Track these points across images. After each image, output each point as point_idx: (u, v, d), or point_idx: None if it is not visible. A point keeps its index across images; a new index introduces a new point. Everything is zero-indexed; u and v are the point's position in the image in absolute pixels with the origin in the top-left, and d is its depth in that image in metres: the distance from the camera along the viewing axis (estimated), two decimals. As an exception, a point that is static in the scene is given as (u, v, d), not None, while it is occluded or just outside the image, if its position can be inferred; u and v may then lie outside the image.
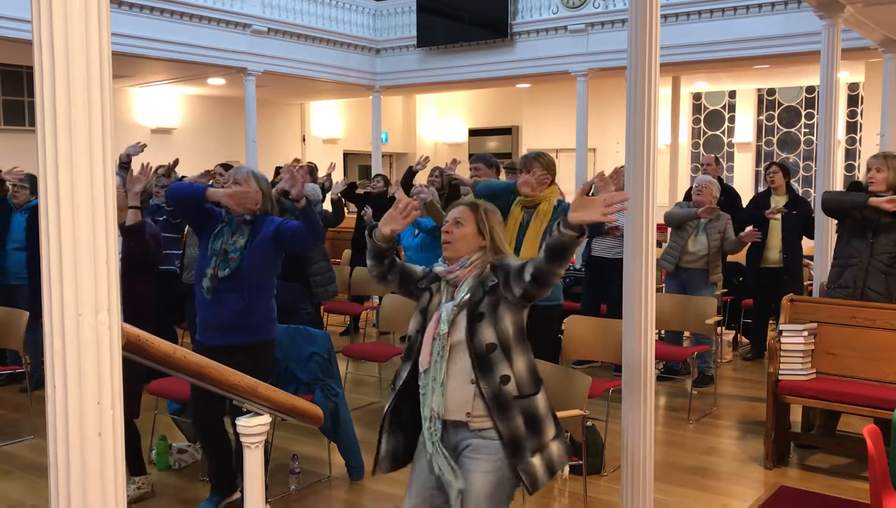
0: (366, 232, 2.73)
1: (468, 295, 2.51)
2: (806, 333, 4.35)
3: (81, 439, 1.39)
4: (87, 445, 1.39)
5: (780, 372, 4.35)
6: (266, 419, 2.42)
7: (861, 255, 4.50)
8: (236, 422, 2.41)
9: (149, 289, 4.04)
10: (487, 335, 2.46)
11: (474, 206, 2.64)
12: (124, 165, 5.83)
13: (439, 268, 2.63)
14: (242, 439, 2.39)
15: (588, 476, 3.76)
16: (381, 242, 2.65)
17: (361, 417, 5.20)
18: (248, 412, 2.40)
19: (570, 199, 2.70)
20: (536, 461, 2.47)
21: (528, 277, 2.44)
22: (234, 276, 3.53)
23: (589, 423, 3.99)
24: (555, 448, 2.54)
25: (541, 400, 2.54)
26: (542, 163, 4.32)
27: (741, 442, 4.87)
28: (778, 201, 6.59)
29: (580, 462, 3.57)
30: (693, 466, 4.46)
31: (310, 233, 3.58)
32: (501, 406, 2.44)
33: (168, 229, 6.03)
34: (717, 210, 5.97)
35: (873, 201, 4.35)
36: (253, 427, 2.38)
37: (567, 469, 4.22)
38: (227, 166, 6.63)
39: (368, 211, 7.17)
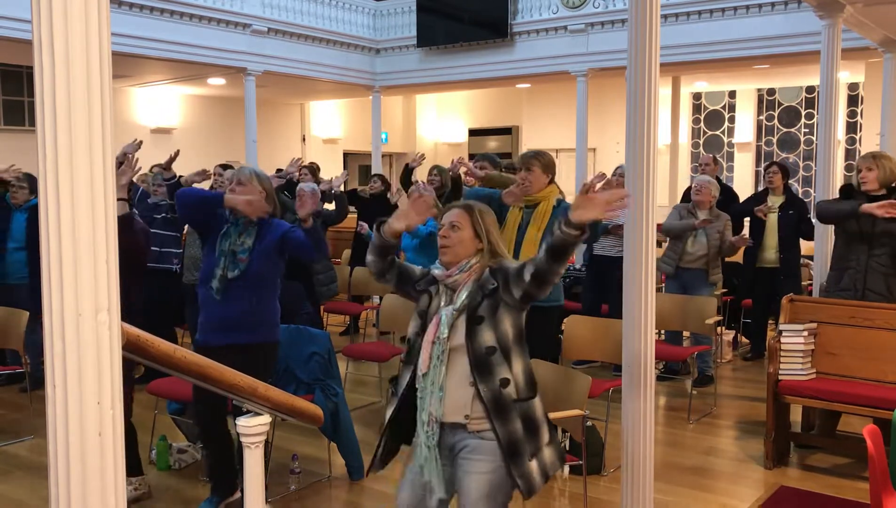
0: (374, 226, 2.71)
1: (468, 299, 2.50)
2: (806, 333, 4.35)
3: (81, 439, 1.39)
4: (87, 445, 1.39)
5: (780, 372, 4.35)
6: (266, 419, 2.42)
7: (859, 257, 4.51)
8: (236, 422, 2.41)
9: (138, 287, 4.02)
10: (487, 338, 2.45)
11: (469, 208, 2.61)
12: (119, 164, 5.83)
13: (437, 272, 2.61)
14: (242, 439, 2.39)
15: (588, 476, 3.76)
16: (389, 237, 2.64)
17: (361, 417, 5.20)
18: (248, 412, 2.40)
19: (570, 199, 2.70)
20: (534, 465, 2.46)
21: (527, 277, 2.42)
22: (244, 276, 3.57)
23: (589, 423, 3.99)
24: (547, 452, 2.54)
25: (538, 404, 2.54)
26: (542, 162, 4.26)
27: (741, 442, 4.87)
28: (775, 202, 6.59)
29: (580, 462, 3.57)
30: (693, 466, 4.46)
31: (315, 250, 3.65)
32: (501, 409, 2.43)
33: (166, 227, 6.01)
34: (716, 211, 5.97)
35: (865, 207, 4.34)
36: (253, 427, 2.38)
37: (567, 468, 4.22)
38: (225, 167, 6.60)
39: (364, 226, 7.01)
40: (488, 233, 2.59)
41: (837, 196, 4.83)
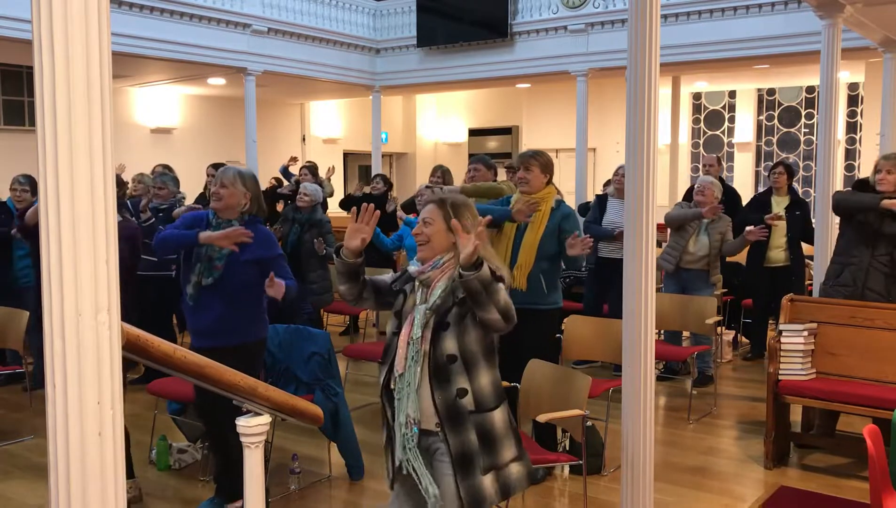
0: (335, 252, 2.61)
1: (440, 300, 2.45)
2: (806, 333, 4.35)
3: (81, 439, 1.39)
4: (87, 445, 1.39)
5: (780, 372, 4.35)
6: (266, 419, 2.42)
7: (862, 255, 4.50)
8: (236, 422, 2.41)
9: (125, 295, 3.97)
10: (449, 345, 2.42)
11: (441, 202, 2.55)
12: None
13: (412, 268, 2.57)
14: (242, 439, 2.39)
15: (588, 476, 3.75)
16: (351, 259, 2.56)
17: (361, 417, 5.20)
18: (248, 412, 2.40)
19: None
20: (487, 480, 2.40)
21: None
22: (218, 284, 3.50)
23: (589, 423, 3.99)
24: (514, 469, 2.47)
25: (499, 417, 2.46)
26: (541, 162, 4.23)
27: (741, 442, 4.87)
28: (779, 202, 6.61)
29: (580, 462, 3.57)
30: (693, 466, 4.46)
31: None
32: (453, 419, 2.39)
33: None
34: (721, 210, 5.96)
35: (886, 203, 4.31)
36: (253, 427, 2.38)
37: (567, 468, 4.22)
38: (217, 166, 6.59)
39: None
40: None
41: (850, 189, 4.80)
